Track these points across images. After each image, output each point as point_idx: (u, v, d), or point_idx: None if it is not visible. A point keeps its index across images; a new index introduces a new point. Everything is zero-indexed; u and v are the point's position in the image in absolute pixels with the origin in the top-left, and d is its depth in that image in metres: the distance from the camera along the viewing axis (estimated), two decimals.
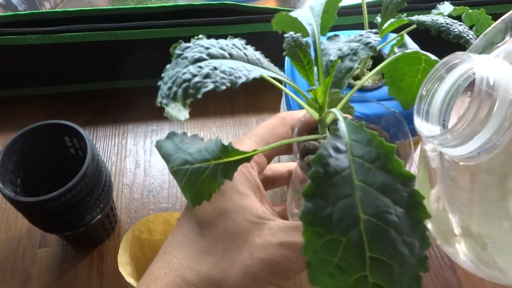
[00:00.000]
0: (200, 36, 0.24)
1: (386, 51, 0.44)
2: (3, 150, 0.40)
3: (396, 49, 0.33)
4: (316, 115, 0.27)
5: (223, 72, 0.21)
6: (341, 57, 0.22)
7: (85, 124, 0.61)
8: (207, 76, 0.20)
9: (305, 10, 0.30)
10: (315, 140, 0.29)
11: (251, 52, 0.24)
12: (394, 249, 0.18)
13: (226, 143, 0.24)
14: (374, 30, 0.22)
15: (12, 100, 0.63)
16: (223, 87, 0.20)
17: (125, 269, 0.41)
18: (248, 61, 0.23)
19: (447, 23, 0.35)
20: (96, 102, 0.63)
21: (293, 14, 0.29)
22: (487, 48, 0.27)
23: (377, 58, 0.44)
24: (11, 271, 0.47)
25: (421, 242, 0.18)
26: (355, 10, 0.58)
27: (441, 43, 0.35)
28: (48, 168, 0.45)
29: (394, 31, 0.42)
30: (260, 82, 0.25)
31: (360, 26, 0.44)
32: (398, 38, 0.39)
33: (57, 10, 0.76)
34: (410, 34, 0.42)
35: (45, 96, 0.63)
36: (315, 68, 0.27)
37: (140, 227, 0.44)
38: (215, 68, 0.21)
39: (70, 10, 0.57)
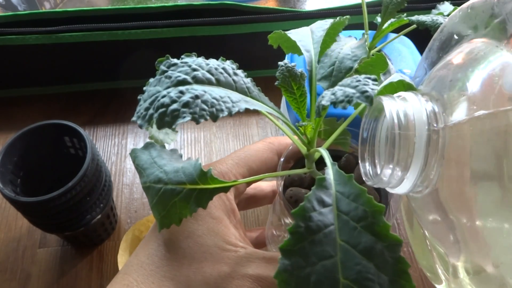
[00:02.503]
0: (192, 54, 0.23)
1: (386, 51, 0.44)
2: (3, 150, 0.40)
3: (382, 77, 0.32)
4: (304, 149, 0.26)
5: (204, 102, 0.19)
6: (334, 103, 0.20)
7: (85, 124, 0.61)
8: (186, 105, 0.19)
9: (305, 33, 0.28)
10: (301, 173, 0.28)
11: (240, 78, 0.22)
12: None
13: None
14: (372, 77, 0.20)
15: (12, 100, 0.63)
16: (201, 120, 0.19)
17: None
18: (236, 88, 0.22)
19: None
20: (96, 102, 0.63)
21: (292, 35, 0.27)
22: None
23: None
24: (11, 271, 0.47)
25: None
26: (355, 10, 0.58)
27: None
28: (48, 168, 0.45)
29: (394, 31, 0.42)
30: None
31: (360, 26, 0.44)
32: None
33: (57, 10, 0.76)
34: (410, 34, 0.42)
35: (45, 96, 0.63)
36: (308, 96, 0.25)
37: (140, 227, 0.44)
38: (197, 97, 0.19)
39: (70, 10, 0.57)
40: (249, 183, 0.30)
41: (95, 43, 0.56)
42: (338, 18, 0.27)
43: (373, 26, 0.42)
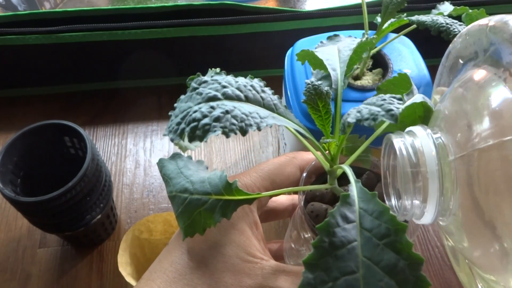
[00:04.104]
0: (218, 70, 0.23)
1: (386, 51, 0.44)
2: (3, 150, 0.40)
3: (405, 97, 0.32)
4: (326, 165, 0.26)
5: (234, 117, 0.20)
6: (359, 120, 0.20)
7: (85, 124, 0.61)
8: (217, 119, 0.20)
9: (332, 51, 0.28)
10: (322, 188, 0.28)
11: (268, 95, 0.23)
12: None
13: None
14: (398, 96, 0.21)
15: (12, 100, 0.63)
16: (231, 134, 0.19)
17: (125, 269, 0.41)
18: (264, 105, 0.23)
19: (447, 23, 0.35)
20: (96, 102, 0.63)
21: (319, 54, 0.28)
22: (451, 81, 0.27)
23: (377, 57, 0.44)
24: (11, 271, 0.47)
25: None
26: (355, 10, 0.58)
27: (441, 43, 0.35)
28: (48, 168, 0.45)
29: (394, 31, 0.42)
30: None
31: (360, 26, 0.44)
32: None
33: (57, 10, 0.76)
34: (409, 34, 0.42)
35: (45, 96, 0.63)
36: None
37: (140, 227, 0.44)
38: (227, 112, 0.20)
39: (70, 10, 0.57)
40: (271, 196, 0.30)
41: (95, 43, 0.56)
42: (365, 37, 0.28)
43: (373, 26, 0.42)
